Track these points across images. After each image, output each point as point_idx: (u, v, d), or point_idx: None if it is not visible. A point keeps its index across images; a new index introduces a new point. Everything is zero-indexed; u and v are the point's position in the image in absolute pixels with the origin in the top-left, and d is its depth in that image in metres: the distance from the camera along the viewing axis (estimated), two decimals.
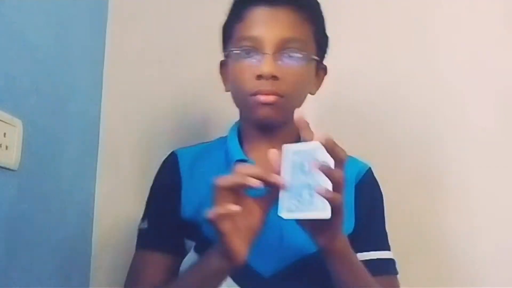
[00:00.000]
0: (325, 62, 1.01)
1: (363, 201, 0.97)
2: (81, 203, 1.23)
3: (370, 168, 1.03)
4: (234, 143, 0.99)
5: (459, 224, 1.22)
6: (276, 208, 0.76)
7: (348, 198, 0.88)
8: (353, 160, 0.98)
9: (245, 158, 0.97)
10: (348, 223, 0.92)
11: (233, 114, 1.01)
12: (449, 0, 1.30)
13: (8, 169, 0.93)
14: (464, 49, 1.27)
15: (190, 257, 0.95)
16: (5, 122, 0.92)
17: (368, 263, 0.89)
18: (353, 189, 0.98)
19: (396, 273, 0.98)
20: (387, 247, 0.99)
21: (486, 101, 1.25)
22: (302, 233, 0.79)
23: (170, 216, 0.97)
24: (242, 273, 0.84)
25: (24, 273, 0.99)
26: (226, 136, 1.03)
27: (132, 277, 0.97)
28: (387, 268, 0.97)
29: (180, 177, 0.99)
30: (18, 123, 0.96)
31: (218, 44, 1.02)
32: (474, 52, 1.26)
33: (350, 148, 0.98)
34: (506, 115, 1.24)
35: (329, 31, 1.00)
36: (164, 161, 1.04)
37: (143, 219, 1.00)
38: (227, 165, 0.96)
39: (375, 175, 1.03)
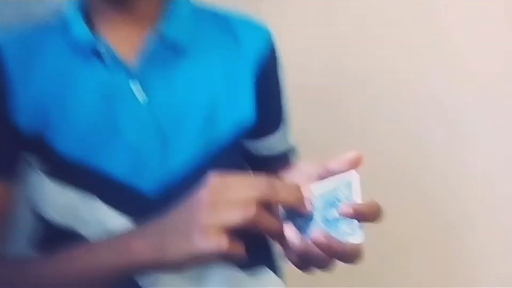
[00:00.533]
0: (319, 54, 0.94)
1: (269, 84, 0.76)
2: None
3: (271, 32, 0.78)
4: (76, 19, 0.69)
5: (460, 222, 1.22)
6: (150, 103, 0.66)
7: (245, 80, 0.73)
8: (247, 22, 0.77)
9: (93, 38, 0.68)
10: (246, 115, 0.73)
11: None
12: None
13: None
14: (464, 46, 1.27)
15: (46, 185, 0.68)
16: None
17: (283, 155, 0.78)
18: (255, 67, 0.74)
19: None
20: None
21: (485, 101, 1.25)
22: (192, 136, 0.67)
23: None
24: (121, 195, 0.65)
25: None
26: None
27: None
28: (293, 155, 0.83)
29: (7, 75, 0.69)
30: None
31: None
32: (474, 50, 1.25)
33: (352, 145, 0.98)
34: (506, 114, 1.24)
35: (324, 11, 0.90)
36: None
37: None
38: (72, 51, 0.69)
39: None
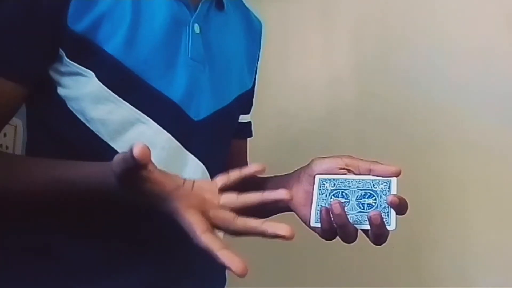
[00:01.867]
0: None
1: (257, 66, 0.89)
2: None
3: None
4: None
5: (453, 225, 1.22)
6: (200, 41, 0.73)
7: (255, 50, 0.87)
8: (250, 12, 0.89)
9: None
10: (249, 79, 0.86)
11: None
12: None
13: None
14: (465, 46, 1.26)
15: (94, 88, 0.66)
16: None
17: (245, 125, 0.89)
18: (260, 43, 0.89)
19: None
20: None
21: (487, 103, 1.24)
22: (235, 74, 0.79)
23: (45, 26, 0.64)
24: (171, 115, 0.70)
25: None
26: None
27: None
28: (251, 130, 0.93)
29: None
30: (18, 123, 0.96)
31: None
32: (475, 49, 1.25)
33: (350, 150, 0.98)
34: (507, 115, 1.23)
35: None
36: None
37: None
38: None
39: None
